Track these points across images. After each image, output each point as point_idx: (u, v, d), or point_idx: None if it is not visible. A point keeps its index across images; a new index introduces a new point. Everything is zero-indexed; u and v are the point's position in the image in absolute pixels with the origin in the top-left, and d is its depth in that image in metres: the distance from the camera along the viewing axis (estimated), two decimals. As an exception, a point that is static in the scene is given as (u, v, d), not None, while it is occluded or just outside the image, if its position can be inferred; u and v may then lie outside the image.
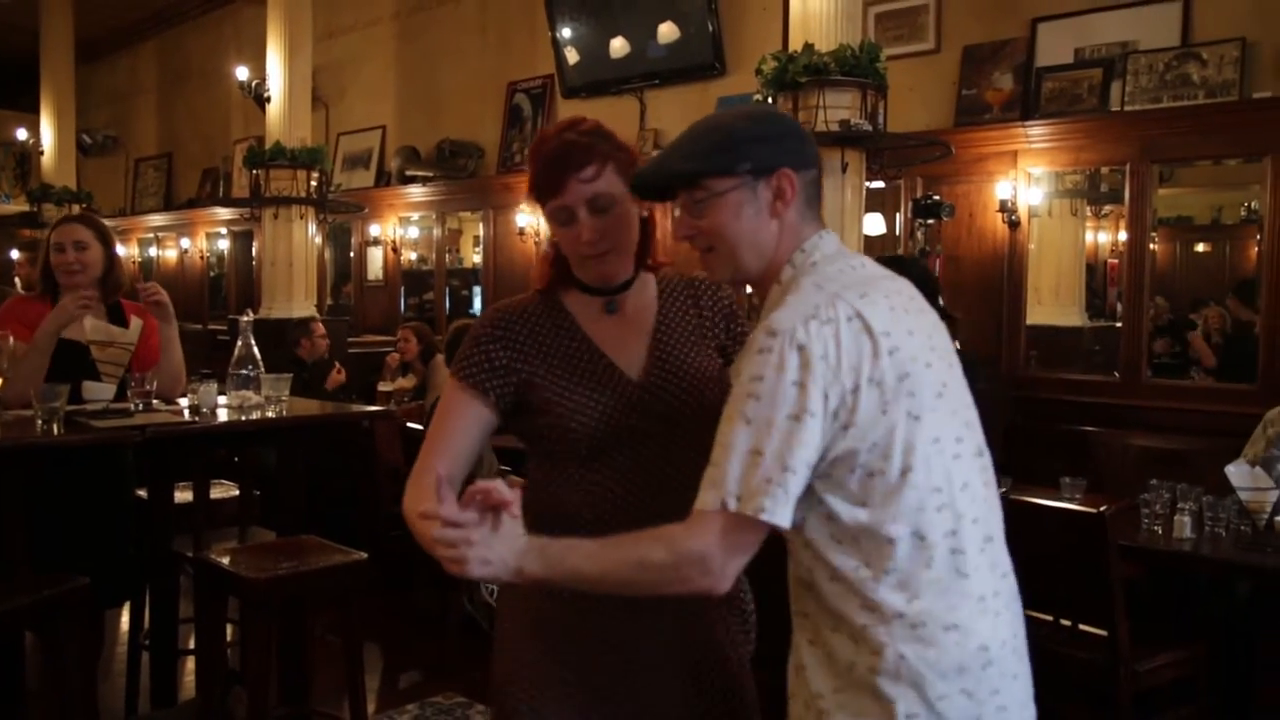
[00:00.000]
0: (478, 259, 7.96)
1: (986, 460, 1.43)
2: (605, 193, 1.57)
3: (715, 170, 1.42)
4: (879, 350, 1.32)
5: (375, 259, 8.62)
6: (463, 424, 1.61)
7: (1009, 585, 1.42)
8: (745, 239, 1.43)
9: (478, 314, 7.53)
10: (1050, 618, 3.17)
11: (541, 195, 1.61)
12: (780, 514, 1.29)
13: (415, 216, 8.31)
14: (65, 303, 2.83)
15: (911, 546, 1.32)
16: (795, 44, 4.33)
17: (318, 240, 7.63)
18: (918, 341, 1.36)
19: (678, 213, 1.49)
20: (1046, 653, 3.12)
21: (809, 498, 1.34)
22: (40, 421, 2.49)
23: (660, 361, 1.64)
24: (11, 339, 2.61)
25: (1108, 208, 5.50)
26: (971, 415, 1.42)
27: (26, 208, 10.88)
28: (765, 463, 1.29)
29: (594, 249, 1.59)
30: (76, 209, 8.85)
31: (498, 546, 1.33)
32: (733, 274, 1.48)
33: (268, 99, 7.35)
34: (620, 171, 1.59)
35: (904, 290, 1.44)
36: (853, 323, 1.32)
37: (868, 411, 1.31)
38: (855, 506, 1.32)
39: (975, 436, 1.41)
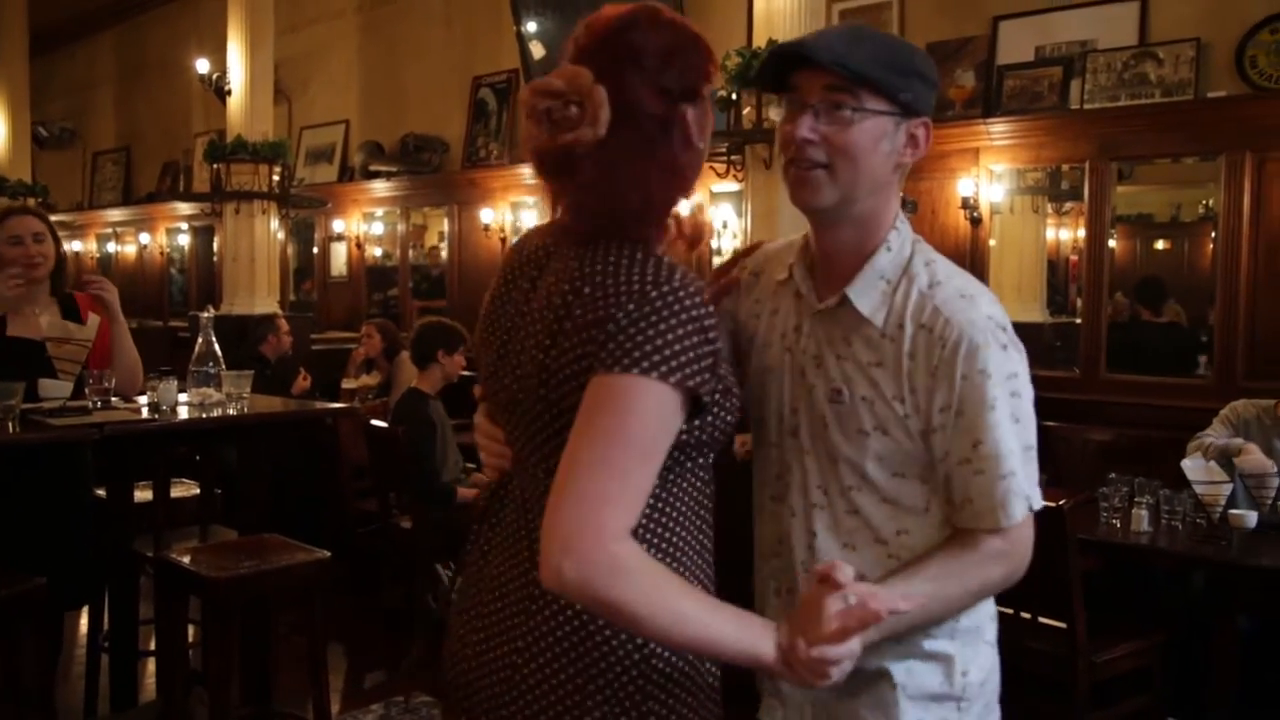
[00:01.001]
0: (443, 255, 7.92)
1: None
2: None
3: (882, 87, 1.24)
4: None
5: (339, 255, 8.55)
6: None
7: None
8: (868, 174, 1.26)
9: (442, 312, 7.50)
10: (1011, 610, 3.21)
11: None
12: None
13: (379, 212, 8.25)
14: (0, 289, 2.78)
15: None
16: (759, 40, 4.35)
17: (280, 236, 7.55)
18: None
19: (783, 109, 1.30)
20: (1008, 645, 3.16)
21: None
22: (-6, 420, 2.46)
23: None
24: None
25: (1068, 205, 5.56)
26: None
27: (-20, 202, 10.69)
28: (1034, 456, 1.29)
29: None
30: (31, 203, 8.70)
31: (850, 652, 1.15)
32: (836, 204, 1.28)
33: (229, 92, 7.27)
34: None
35: None
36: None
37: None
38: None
39: None
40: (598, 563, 1.08)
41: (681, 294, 1.16)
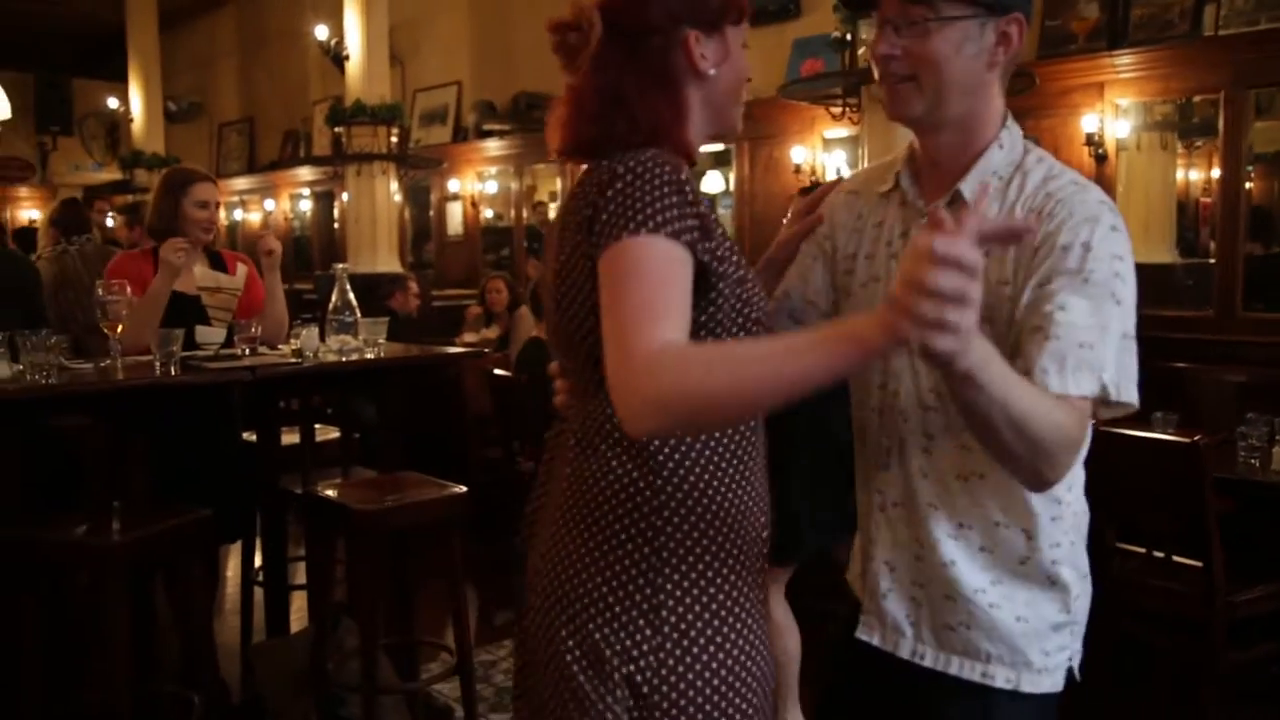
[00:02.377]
0: (554, 213, 8.02)
1: None
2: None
3: None
4: None
5: (454, 215, 8.74)
6: None
7: None
8: (956, 79, 1.26)
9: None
10: (1143, 550, 3.16)
11: (744, 10, 1.35)
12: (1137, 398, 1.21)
13: (493, 171, 8.39)
14: (166, 256, 2.96)
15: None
16: (875, -21, 4.27)
17: (398, 197, 7.76)
18: None
19: (886, 30, 1.29)
20: (1140, 584, 3.12)
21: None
22: (159, 364, 2.63)
23: None
24: (129, 288, 2.74)
25: (1200, 141, 5.32)
26: None
27: (118, 175, 11.25)
28: (1133, 347, 1.21)
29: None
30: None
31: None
32: (928, 112, 1.29)
33: (346, 58, 7.47)
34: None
35: None
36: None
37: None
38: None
39: None
40: (660, 371, 1.05)
41: (651, 164, 1.17)
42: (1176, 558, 3.06)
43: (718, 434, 1.24)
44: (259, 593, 3.49)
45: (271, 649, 3.22)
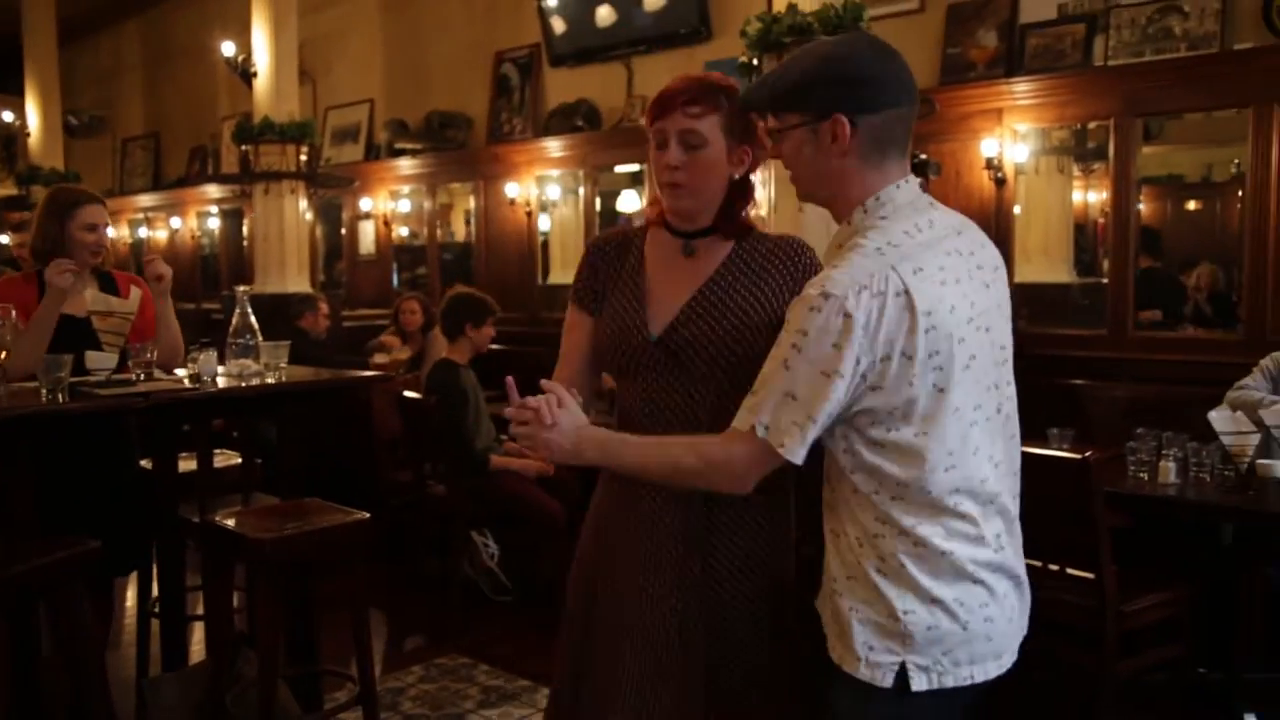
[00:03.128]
0: (471, 231, 7.98)
1: (1007, 415, 1.60)
2: (699, 132, 1.70)
3: (784, 108, 1.57)
4: (916, 327, 1.44)
5: (367, 234, 8.63)
6: (576, 337, 1.87)
7: (1010, 523, 1.60)
8: (807, 173, 1.58)
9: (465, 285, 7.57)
10: (1040, 563, 3.24)
11: (650, 115, 1.76)
12: (796, 453, 1.50)
13: (406, 190, 8.31)
14: (52, 278, 2.87)
15: (918, 492, 1.50)
16: (779, 5, 4.36)
17: (309, 216, 7.63)
18: (958, 317, 1.48)
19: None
20: (1036, 597, 3.19)
21: (835, 431, 1.53)
22: (45, 390, 2.54)
23: (692, 314, 1.76)
24: (14, 313, 2.64)
25: (1095, 165, 5.53)
26: (998, 374, 1.56)
27: (14, 191, 10.86)
28: (795, 407, 1.48)
29: (672, 178, 1.72)
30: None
31: (559, 435, 1.58)
32: (806, 198, 1.62)
33: (254, 74, 7.33)
34: (726, 128, 1.71)
35: (964, 249, 1.55)
36: (899, 299, 1.44)
37: (895, 379, 1.46)
38: (872, 451, 1.51)
39: (996, 397, 1.56)
40: None
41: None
42: (1070, 570, 3.15)
43: None
44: (156, 624, 3.38)
45: (167, 682, 3.13)
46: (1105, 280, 5.02)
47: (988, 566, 1.53)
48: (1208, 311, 5.17)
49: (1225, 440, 3.26)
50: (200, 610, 3.58)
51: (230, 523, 2.73)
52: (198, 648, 3.79)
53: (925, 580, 1.50)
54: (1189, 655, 3.19)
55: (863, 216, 1.54)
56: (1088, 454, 2.98)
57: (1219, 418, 3.30)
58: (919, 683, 1.51)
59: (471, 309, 4.66)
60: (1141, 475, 3.30)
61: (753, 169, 1.77)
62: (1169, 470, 3.25)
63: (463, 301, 4.72)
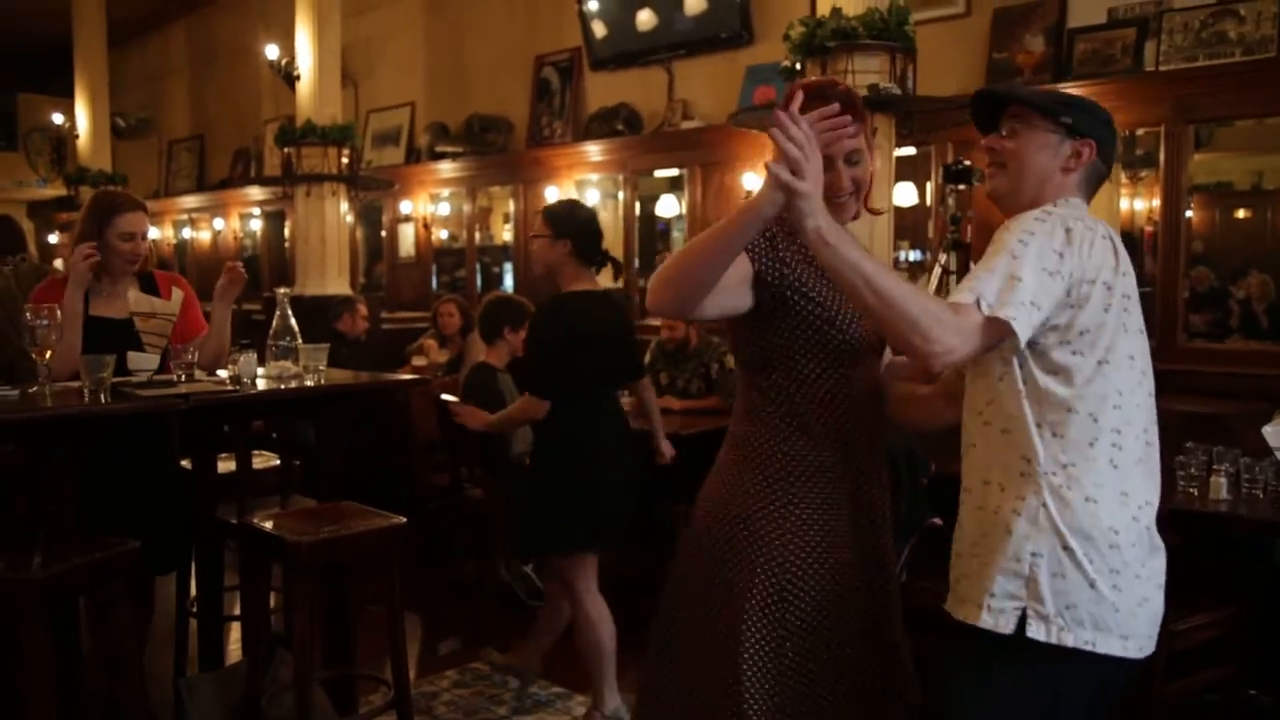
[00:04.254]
0: (508, 235, 8.00)
1: (1151, 382, 1.74)
2: (860, 149, 1.86)
3: (1045, 110, 1.73)
4: (1119, 267, 1.65)
5: (406, 236, 8.67)
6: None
7: (1154, 486, 1.71)
8: (1033, 172, 1.73)
9: (508, 288, 7.60)
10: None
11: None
12: (1024, 328, 1.57)
13: (446, 193, 8.34)
14: (76, 265, 2.89)
15: (1084, 423, 1.62)
16: (823, 9, 4.31)
17: (349, 218, 7.69)
18: (1132, 281, 1.70)
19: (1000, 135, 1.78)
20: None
21: (1012, 356, 1.63)
22: (88, 391, 2.55)
23: None
24: (59, 313, 2.66)
25: (1144, 172, 5.42)
26: (1147, 347, 1.73)
27: (63, 191, 11.04)
28: (1022, 288, 1.56)
29: (844, 194, 1.86)
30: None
31: (813, 177, 1.52)
32: (1008, 194, 1.76)
33: (297, 77, 7.40)
34: (864, 133, 1.88)
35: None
36: (1107, 240, 1.65)
37: (1095, 305, 1.62)
38: (1050, 375, 1.63)
39: (1148, 364, 1.72)
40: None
41: None
42: (1118, 587, 3.07)
43: None
44: (194, 624, 3.40)
45: (204, 682, 3.14)
46: (1153, 290, 4.92)
47: (1128, 529, 1.61)
48: (1262, 324, 5.05)
49: (1280, 456, 3.17)
50: (237, 611, 3.60)
51: (268, 525, 2.73)
52: (234, 648, 3.81)
53: (1062, 524, 1.60)
54: (1240, 676, 3.11)
55: (1054, 205, 1.71)
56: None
57: (1274, 432, 3.21)
58: (1036, 630, 1.58)
59: (510, 313, 4.65)
60: (1191, 491, 3.22)
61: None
62: (1220, 486, 3.17)
63: (501, 305, 4.72)
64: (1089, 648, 1.59)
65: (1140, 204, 5.59)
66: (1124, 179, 5.47)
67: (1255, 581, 3.29)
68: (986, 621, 1.60)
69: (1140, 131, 5.09)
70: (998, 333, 1.56)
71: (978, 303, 1.55)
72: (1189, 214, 4.85)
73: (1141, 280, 5.46)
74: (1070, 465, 1.61)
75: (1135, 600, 1.62)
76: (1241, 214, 5.90)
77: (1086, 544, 1.59)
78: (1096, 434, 1.61)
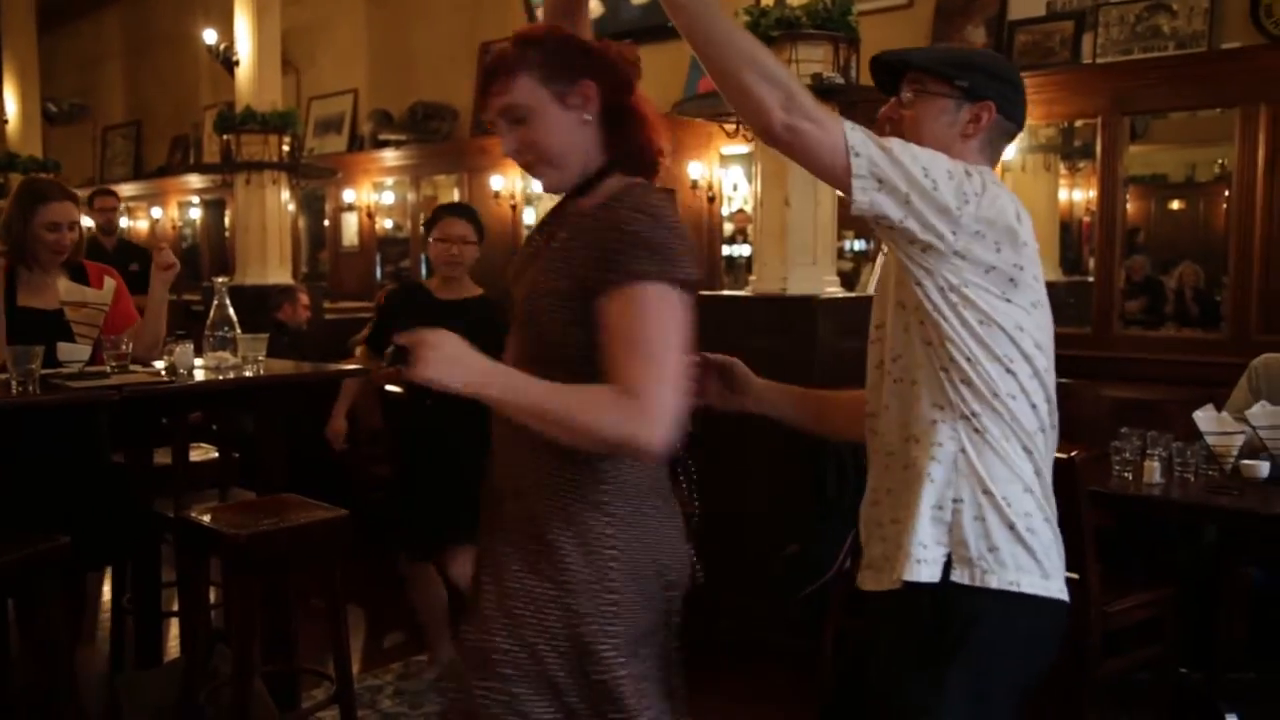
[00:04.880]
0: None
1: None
2: (518, 104, 1.56)
3: (940, 74, 1.66)
4: (1021, 214, 1.60)
5: (350, 225, 8.56)
6: None
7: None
8: (932, 138, 1.63)
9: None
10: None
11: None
12: (862, 166, 1.51)
13: (389, 181, 8.25)
14: None
15: (1002, 374, 1.61)
16: (768, -1, 4.32)
17: (291, 207, 7.56)
18: (1034, 252, 1.65)
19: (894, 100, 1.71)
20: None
21: (943, 299, 1.58)
22: (15, 383, 2.48)
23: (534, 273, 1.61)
24: (-16, 303, 2.59)
25: (1082, 163, 5.53)
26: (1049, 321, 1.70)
27: (-8, 178, 10.73)
28: (892, 154, 1.52)
29: (519, 159, 1.61)
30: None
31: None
32: None
33: (236, 63, 7.25)
34: (545, 79, 1.56)
35: None
36: (1007, 191, 1.60)
37: (1009, 246, 1.58)
38: (978, 317, 1.59)
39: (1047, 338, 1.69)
40: None
41: None
42: (1055, 570, 3.13)
43: None
44: (130, 620, 3.33)
45: (141, 680, 3.08)
46: (1091, 279, 5.02)
47: (1034, 481, 1.62)
48: (1194, 312, 5.18)
49: (1210, 440, 3.25)
50: (175, 607, 3.54)
51: (206, 518, 2.69)
52: (173, 644, 3.74)
53: (981, 470, 1.59)
54: (1171, 655, 3.19)
55: None
56: (1073, 453, 2.96)
57: (1204, 418, 3.29)
58: (960, 575, 1.57)
59: None
60: (1126, 475, 3.28)
61: (617, 99, 1.61)
62: (1154, 470, 3.23)
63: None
64: (1014, 588, 1.58)
65: (1079, 194, 5.70)
66: (1063, 170, 5.57)
67: (1186, 563, 3.37)
68: (913, 572, 1.58)
69: (1079, 123, 5.19)
70: (836, 157, 1.49)
71: (844, 132, 1.48)
72: (1125, 204, 4.94)
73: (1079, 269, 5.61)
74: (983, 413, 1.60)
75: (1049, 540, 1.63)
76: (1175, 205, 6.05)
77: (1004, 488, 1.59)
78: (1014, 385, 1.62)
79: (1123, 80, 4.75)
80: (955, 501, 1.60)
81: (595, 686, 1.49)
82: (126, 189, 10.86)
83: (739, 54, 1.50)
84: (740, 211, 6.35)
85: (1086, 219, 5.55)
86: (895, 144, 1.52)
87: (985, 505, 1.59)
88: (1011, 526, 1.58)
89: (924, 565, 1.58)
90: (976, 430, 1.60)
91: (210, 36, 8.23)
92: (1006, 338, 1.59)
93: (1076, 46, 4.98)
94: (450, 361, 1.41)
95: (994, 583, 1.57)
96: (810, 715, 3.18)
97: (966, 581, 1.58)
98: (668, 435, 1.42)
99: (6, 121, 10.44)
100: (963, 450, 1.60)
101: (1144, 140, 5.23)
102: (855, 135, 1.49)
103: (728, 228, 6.33)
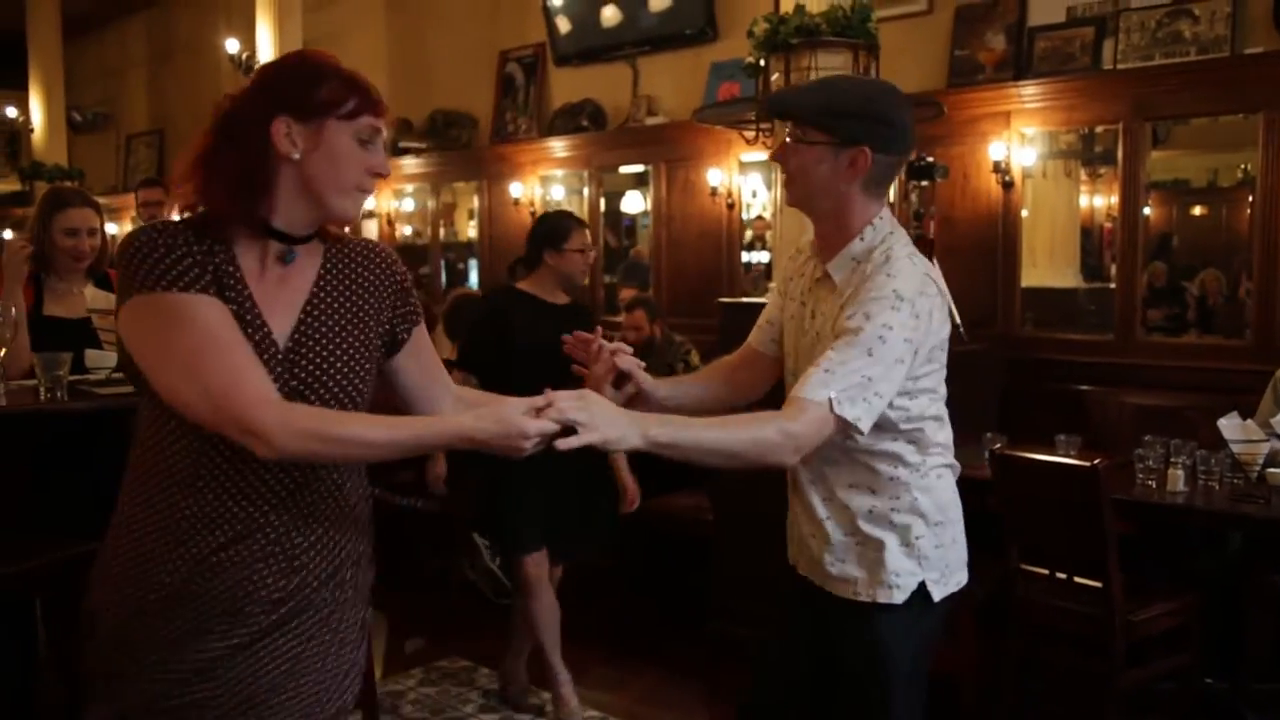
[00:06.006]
0: (473, 232, 7.96)
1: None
2: (378, 128, 1.54)
3: (815, 124, 1.77)
4: (947, 324, 1.82)
5: (370, 232, 8.59)
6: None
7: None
8: (815, 186, 1.79)
9: (474, 285, 7.57)
10: (1046, 571, 3.22)
11: (357, 108, 1.49)
12: (867, 425, 1.69)
13: (409, 189, 8.29)
14: (11, 259, 2.86)
15: (932, 425, 1.86)
16: (786, 6, 4.32)
17: (312, 214, 7.61)
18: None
19: (787, 137, 1.82)
20: (1043, 605, 3.18)
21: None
22: (44, 389, 2.51)
23: (308, 329, 1.51)
24: (14, 310, 2.62)
25: (1103, 169, 5.50)
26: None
27: (18, 187, 10.84)
28: (873, 388, 1.67)
29: (374, 187, 1.56)
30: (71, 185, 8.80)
31: (616, 416, 1.52)
32: (804, 203, 1.83)
33: (259, 72, 7.31)
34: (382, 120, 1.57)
35: None
36: (943, 303, 1.80)
37: (936, 357, 1.82)
38: (914, 401, 1.82)
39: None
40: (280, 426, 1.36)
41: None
42: (1078, 579, 3.12)
43: None
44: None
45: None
46: (1113, 285, 4.99)
47: (954, 494, 1.93)
48: (1217, 318, 5.14)
49: (1234, 448, 3.23)
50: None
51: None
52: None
53: (928, 507, 1.85)
54: (1196, 665, 3.17)
55: (873, 233, 1.81)
56: (1097, 461, 2.95)
57: (1228, 425, 3.27)
58: (937, 592, 1.85)
59: (475, 312, 4.63)
60: (1150, 483, 3.26)
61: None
62: (1178, 478, 3.21)
63: (466, 303, 4.70)
64: (959, 587, 1.90)
65: (1099, 200, 5.67)
66: (1083, 176, 5.55)
67: (1211, 572, 3.35)
68: (894, 597, 1.82)
69: (1099, 129, 5.16)
70: (845, 428, 1.67)
71: (830, 402, 1.64)
72: (1147, 210, 4.92)
73: (1100, 276, 5.58)
74: (926, 459, 1.85)
75: (963, 542, 1.94)
76: (1197, 211, 6.01)
77: (943, 514, 1.87)
78: (938, 428, 1.87)
79: (1144, 86, 4.73)
80: (918, 538, 1.89)
81: None
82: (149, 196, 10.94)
83: (738, 453, 1.65)
84: (759, 218, 6.35)
85: (1108, 225, 5.51)
86: (874, 371, 1.67)
87: (939, 533, 1.92)
88: (954, 542, 1.95)
89: (900, 591, 1.87)
90: (924, 474, 1.90)
91: (232, 45, 8.31)
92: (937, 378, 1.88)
93: (1097, 52, 4.96)
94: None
95: (953, 588, 1.93)
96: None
97: (939, 596, 1.90)
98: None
99: (32, 130, 10.56)
100: (915, 498, 1.90)
101: (1166, 146, 5.20)
102: (842, 409, 1.66)
103: (747, 234, 6.33)
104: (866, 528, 1.84)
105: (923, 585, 1.84)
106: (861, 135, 1.75)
